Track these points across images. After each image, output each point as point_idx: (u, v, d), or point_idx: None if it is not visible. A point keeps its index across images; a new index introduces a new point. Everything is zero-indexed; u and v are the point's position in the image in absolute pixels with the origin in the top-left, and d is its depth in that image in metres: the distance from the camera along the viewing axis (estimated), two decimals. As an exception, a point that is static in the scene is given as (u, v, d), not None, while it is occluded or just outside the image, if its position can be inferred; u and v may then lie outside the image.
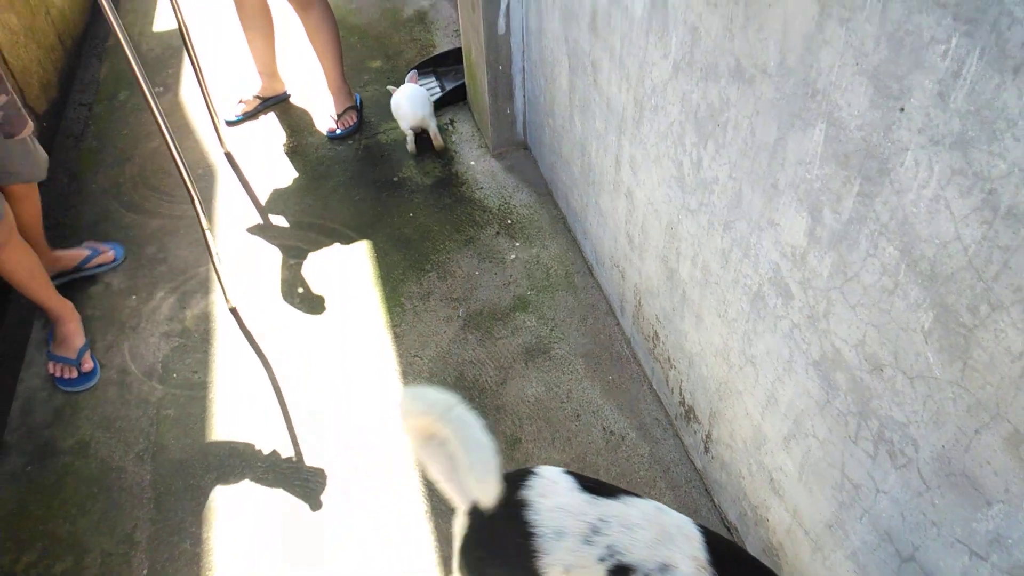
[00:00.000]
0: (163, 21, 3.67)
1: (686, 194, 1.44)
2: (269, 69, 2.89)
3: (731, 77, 1.17)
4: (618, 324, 2.07)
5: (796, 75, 1.00)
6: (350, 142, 2.82)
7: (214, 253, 2.14)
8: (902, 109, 0.83)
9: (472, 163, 2.67)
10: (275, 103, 2.99)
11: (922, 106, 0.80)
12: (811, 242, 1.05)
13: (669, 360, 1.74)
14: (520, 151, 2.69)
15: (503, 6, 2.32)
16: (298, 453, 1.86)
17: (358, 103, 2.93)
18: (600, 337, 2.05)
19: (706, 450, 1.65)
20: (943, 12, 0.75)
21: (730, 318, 1.36)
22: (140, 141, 2.90)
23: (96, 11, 3.80)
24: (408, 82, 2.73)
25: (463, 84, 2.89)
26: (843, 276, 1.00)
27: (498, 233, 2.39)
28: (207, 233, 2.10)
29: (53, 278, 2.19)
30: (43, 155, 2.03)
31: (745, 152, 1.18)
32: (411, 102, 2.60)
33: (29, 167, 1.98)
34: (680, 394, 1.72)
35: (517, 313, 2.14)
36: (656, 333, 1.78)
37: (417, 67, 3.11)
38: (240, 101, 2.92)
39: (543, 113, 2.39)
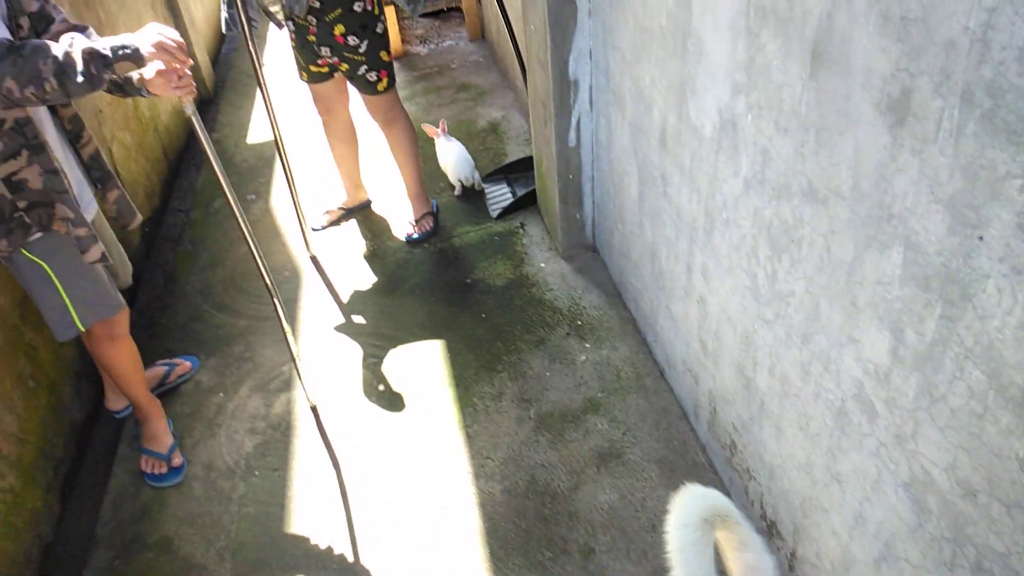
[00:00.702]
0: (256, 134, 3.98)
1: (761, 305, 1.46)
2: (354, 180, 3.09)
3: (804, 197, 1.21)
4: (692, 430, 2.04)
5: (871, 199, 1.04)
6: (426, 245, 2.95)
7: (296, 353, 2.24)
8: (981, 238, 0.85)
9: (542, 265, 2.75)
10: (358, 211, 3.17)
11: (1002, 236, 0.82)
12: (894, 361, 1.05)
13: (748, 471, 1.71)
14: (589, 253, 2.76)
15: (574, 121, 2.45)
16: (373, 553, 1.88)
17: (435, 209, 3.08)
18: (674, 443, 2.03)
19: (791, 568, 1.59)
20: (1017, 149, 0.78)
21: (812, 432, 1.35)
22: (232, 245, 3.10)
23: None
24: (440, 134, 3.24)
25: (533, 190, 3.02)
26: (929, 397, 0.99)
27: (568, 334, 2.43)
28: (288, 335, 2.21)
29: None
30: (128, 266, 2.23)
31: (821, 268, 1.20)
32: (457, 165, 3.16)
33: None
34: (761, 507, 1.68)
35: (588, 415, 2.15)
36: (733, 442, 1.76)
37: (490, 175, 3.27)
38: (326, 212, 3.11)
39: (612, 219, 2.46)
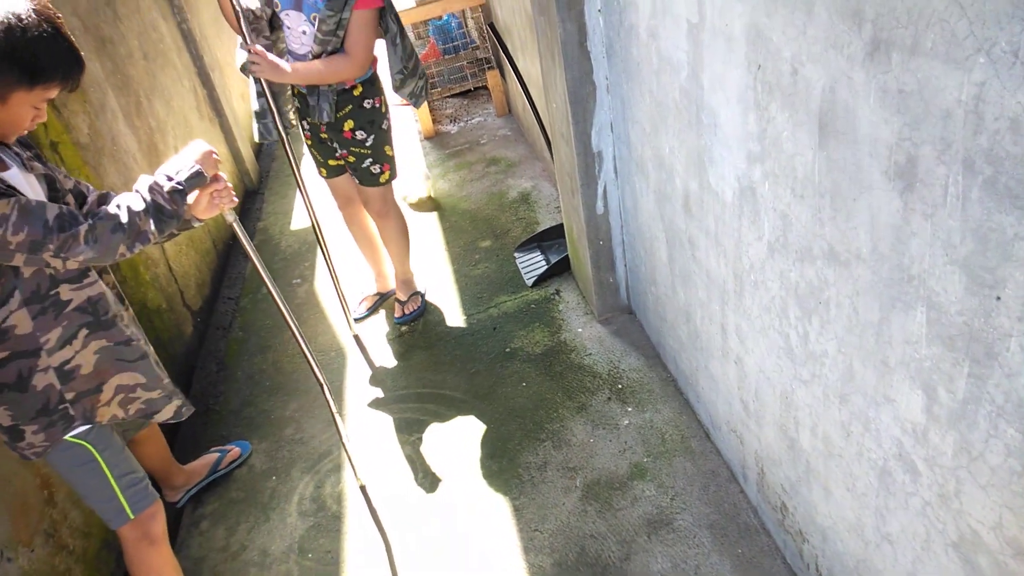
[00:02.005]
0: (299, 221, 4.16)
1: (797, 365, 1.47)
2: (379, 269, 3.21)
3: (826, 260, 1.24)
4: (742, 492, 2.02)
5: (890, 261, 1.06)
6: (465, 317, 3.01)
7: (343, 434, 2.29)
8: (998, 298, 0.86)
9: (579, 330, 2.79)
10: (388, 297, 3.26)
11: (1018, 296, 0.84)
12: (930, 420, 1.06)
13: (801, 533, 1.68)
14: (625, 316, 2.79)
15: (600, 189, 2.52)
16: (427, 636, 1.88)
17: (423, 292, 3.18)
18: (724, 506, 2.01)
19: (852, 633, 1.54)
20: (1022, 213, 0.80)
21: (859, 492, 1.33)
22: (280, 330, 3.22)
23: (243, 215, 4.36)
24: None
25: (566, 257, 3.08)
26: (968, 456, 0.99)
27: (609, 398, 2.44)
28: (336, 416, 2.27)
29: (192, 488, 2.43)
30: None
31: (851, 329, 1.22)
32: None
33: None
34: (817, 570, 1.64)
35: (635, 481, 2.14)
36: (784, 504, 1.74)
37: (523, 244, 3.35)
38: (363, 299, 3.22)
39: (645, 281, 2.50)
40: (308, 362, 2.20)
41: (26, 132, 1.53)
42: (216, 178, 1.75)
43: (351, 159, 2.71)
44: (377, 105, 2.62)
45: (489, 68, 4.74)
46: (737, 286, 1.68)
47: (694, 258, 1.93)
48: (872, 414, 1.22)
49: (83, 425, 1.68)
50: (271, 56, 2.39)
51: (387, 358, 2.90)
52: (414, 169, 4.03)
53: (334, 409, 2.26)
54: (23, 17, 1.34)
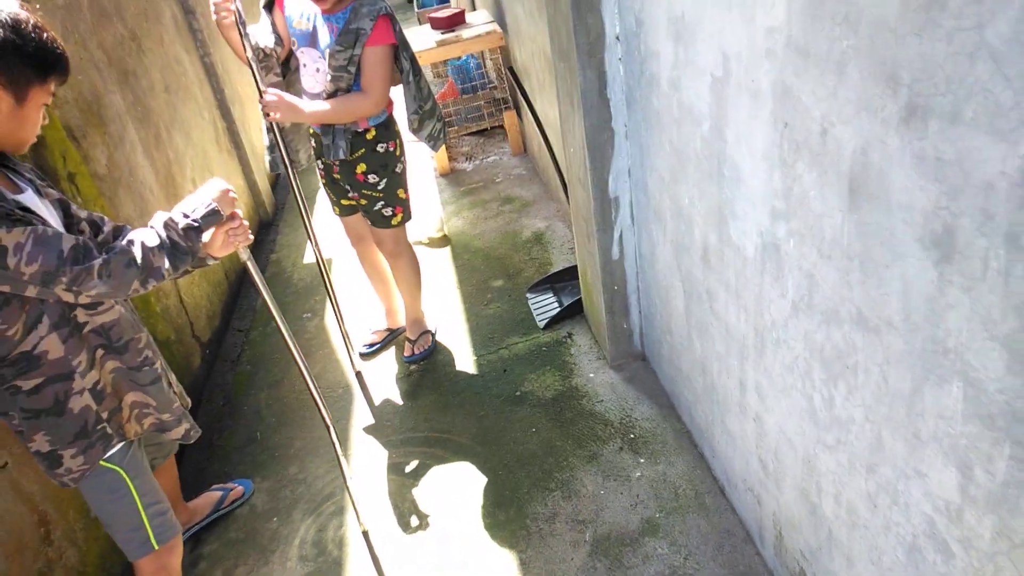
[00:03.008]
0: (312, 254, 4.15)
1: (820, 429, 1.42)
2: (390, 306, 3.19)
3: (854, 324, 1.20)
4: (758, 554, 1.95)
5: (923, 332, 1.02)
6: (475, 359, 2.97)
7: (347, 476, 2.25)
8: (1045, 380, 0.82)
9: (591, 375, 2.74)
10: (399, 334, 3.23)
11: (1066, 379, 0.79)
12: (965, 500, 1.01)
13: (819, 602, 1.61)
14: (638, 362, 2.74)
15: (616, 235, 2.49)
16: None
17: (434, 331, 3.14)
18: (739, 568, 1.94)
19: None
20: (1070, 293, 0.77)
21: (885, 567, 1.27)
22: (288, 365, 3.18)
23: (256, 246, 4.36)
24: None
25: (579, 300, 3.05)
26: (1009, 542, 0.94)
27: (621, 448, 2.38)
28: (341, 459, 2.23)
29: (193, 527, 2.38)
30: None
31: (880, 398, 1.17)
32: None
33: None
34: (836, 643, 1.57)
35: (647, 538, 2.08)
36: (803, 570, 1.67)
37: (536, 285, 3.33)
38: (373, 332, 3.19)
39: (660, 329, 2.46)
40: (315, 401, 2.16)
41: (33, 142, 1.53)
42: (232, 216, 1.74)
43: (363, 202, 2.70)
44: (391, 149, 2.62)
45: (506, 108, 4.77)
46: (758, 342, 1.63)
47: (712, 310, 1.89)
48: (901, 487, 1.17)
49: (118, 443, 1.69)
50: (287, 96, 2.40)
51: (395, 397, 2.85)
52: (428, 208, 4.03)
53: (339, 451, 2.22)
54: (22, 14, 1.37)
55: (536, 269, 3.51)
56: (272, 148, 2.66)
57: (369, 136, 2.56)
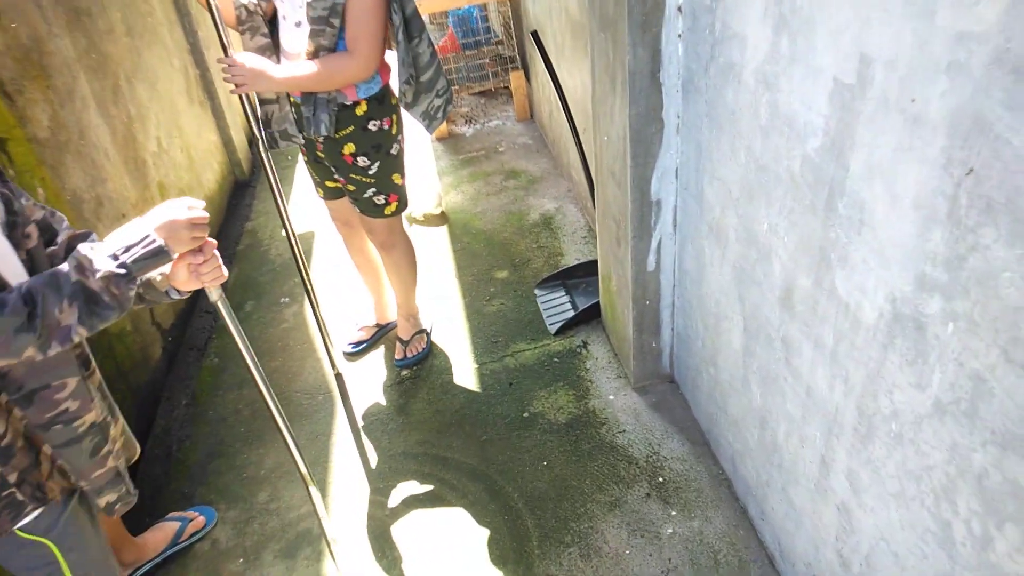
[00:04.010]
0: (299, 223, 3.71)
1: (958, 567, 1.08)
2: (379, 299, 2.80)
3: (1061, 468, 0.85)
4: (819, 653, 1.65)
5: None
6: (476, 367, 2.61)
7: (323, 516, 1.90)
8: None
9: (611, 397, 2.40)
10: (389, 330, 2.85)
11: None
12: None
13: None
14: (666, 385, 2.40)
15: (654, 244, 2.12)
16: None
17: (429, 330, 2.78)
18: (795, 668, 1.64)
19: None
20: None
21: None
22: (263, 360, 2.80)
23: (229, 214, 3.92)
24: None
25: (596, 303, 2.68)
26: None
27: (648, 495, 2.06)
28: (315, 498, 1.87)
29: (145, 565, 2.02)
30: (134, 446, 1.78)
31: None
32: None
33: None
34: None
35: (681, 614, 1.77)
36: None
37: (546, 280, 2.95)
38: (360, 328, 2.81)
39: (700, 358, 2.11)
40: (282, 436, 1.78)
41: None
42: (200, 249, 1.34)
43: (351, 187, 2.29)
44: (386, 127, 2.20)
45: (513, 68, 4.31)
46: (861, 425, 1.29)
47: (788, 364, 1.54)
48: None
49: (35, 509, 1.34)
50: (253, 60, 1.97)
51: (383, 410, 2.50)
52: (425, 180, 3.61)
53: (313, 491, 1.86)
54: None
55: (545, 260, 3.13)
56: (266, 123, 2.23)
57: (359, 111, 2.14)
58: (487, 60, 4.46)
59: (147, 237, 1.21)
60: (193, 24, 3.85)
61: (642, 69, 1.82)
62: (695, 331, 2.11)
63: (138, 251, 1.19)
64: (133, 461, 1.76)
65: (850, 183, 1.19)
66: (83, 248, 1.18)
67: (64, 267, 1.16)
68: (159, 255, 1.22)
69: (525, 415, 2.38)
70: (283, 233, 3.65)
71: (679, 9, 1.74)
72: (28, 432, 1.32)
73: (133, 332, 2.63)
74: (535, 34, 2.45)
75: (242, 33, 2.14)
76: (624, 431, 2.27)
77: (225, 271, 1.44)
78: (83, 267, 1.15)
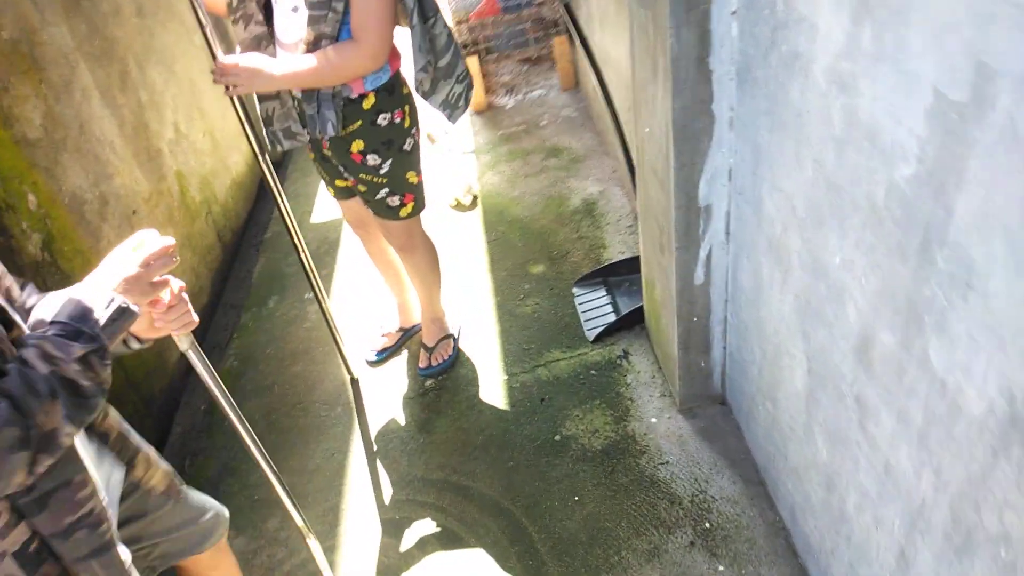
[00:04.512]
0: (322, 211, 3.53)
1: None
2: (403, 301, 2.59)
3: None
4: None
5: None
6: (505, 378, 2.39)
7: (324, 570, 1.73)
8: None
9: (653, 420, 2.14)
10: (413, 333, 2.64)
11: None
12: None
13: None
14: (716, 408, 2.13)
15: (702, 254, 1.83)
16: None
17: (456, 334, 2.55)
18: None
19: None
20: None
21: None
22: (283, 364, 2.65)
23: (259, 198, 3.76)
24: None
25: (639, 308, 2.41)
26: None
27: (693, 543, 1.81)
28: (315, 551, 1.69)
29: None
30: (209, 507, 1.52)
31: None
32: None
33: (191, 528, 1.46)
34: None
35: None
36: None
37: (585, 278, 2.68)
38: (383, 334, 2.60)
39: (756, 386, 1.83)
40: (275, 488, 1.59)
41: None
42: (158, 301, 1.14)
43: (362, 188, 2.07)
44: (397, 120, 1.95)
45: (557, 33, 3.96)
46: (957, 535, 1.00)
47: (861, 427, 1.25)
48: None
49: None
50: (245, 60, 1.74)
51: (403, 427, 2.30)
52: (459, 162, 3.35)
53: (316, 552, 1.68)
54: None
55: (585, 253, 2.85)
56: (267, 121, 2.02)
57: (366, 105, 1.90)
58: (528, 25, 4.11)
59: (106, 298, 1.00)
60: (216, -3, 3.64)
61: (688, 54, 1.51)
62: (751, 355, 1.82)
63: (103, 316, 0.98)
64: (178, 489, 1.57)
65: (954, 232, 0.88)
66: (34, 337, 0.96)
67: (28, 359, 0.94)
68: (126, 314, 1.01)
69: (556, 438, 2.15)
70: (312, 220, 3.47)
71: (733, -19, 1.42)
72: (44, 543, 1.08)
73: (147, 337, 2.50)
74: (568, 6, 2.14)
75: (234, 23, 1.91)
76: (667, 462, 2.01)
77: (195, 316, 1.23)
78: (49, 355, 0.94)
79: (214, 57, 1.79)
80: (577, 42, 2.20)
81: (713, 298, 1.91)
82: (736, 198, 1.69)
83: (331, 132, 1.89)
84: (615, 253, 2.80)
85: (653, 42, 1.61)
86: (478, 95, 3.99)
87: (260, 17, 1.90)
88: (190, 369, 2.72)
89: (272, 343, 2.77)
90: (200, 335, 2.87)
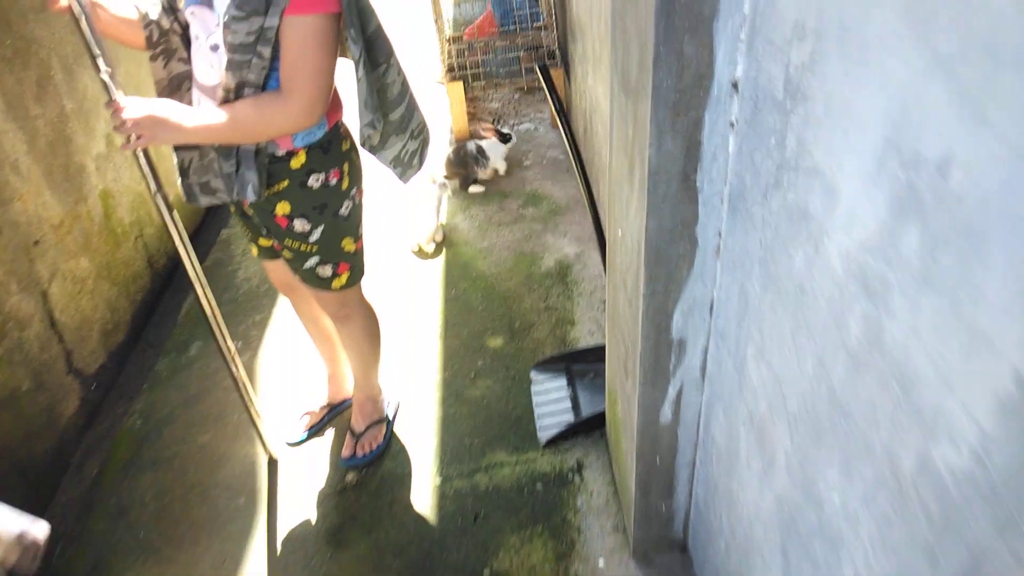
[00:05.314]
0: (269, 240, 3.19)
1: None
2: (334, 371, 2.26)
3: None
4: None
5: None
6: (438, 480, 2.05)
7: None
8: None
9: (601, 562, 1.81)
10: (343, 410, 2.31)
11: None
12: None
13: None
14: (676, 554, 1.80)
15: (672, 392, 1.50)
16: None
17: (390, 418, 2.22)
18: None
19: None
20: None
21: None
22: (191, 431, 2.31)
23: (208, 214, 3.42)
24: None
25: (602, 413, 2.08)
26: None
27: None
28: None
29: None
30: None
31: None
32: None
33: None
34: None
35: None
36: None
37: (545, 362, 2.35)
38: (306, 412, 2.27)
39: (727, 538, 1.50)
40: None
41: None
42: None
43: (287, 255, 1.74)
44: (333, 181, 1.63)
45: (552, 64, 3.63)
46: None
47: None
48: None
49: None
50: (150, 107, 1.42)
51: (311, 532, 1.97)
52: (427, 208, 3.01)
53: None
54: None
55: (551, 328, 2.52)
56: (183, 172, 1.69)
57: (295, 164, 1.58)
58: (522, 52, 3.77)
59: None
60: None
61: (669, 168, 1.18)
62: (718, 522, 1.50)
63: None
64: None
65: (1029, 601, 0.56)
66: None
67: None
68: None
69: (485, 572, 1.82)
70: (198, 293, 3.12)
71: (735, 87, 1.09)
72: None
73: (33, 391, 2.16)
74: (544, 69, 1.81)
75: (153, 59, 1.58)
76: (610, 621, 1.69)
77: None
78: None
79: (110, 97, 1.47)
80: (553, 108, 1.87)
81: (681, 439, 1.59)
82: (716, 337, 1.36)
83: (252, 197, 1.56)
84: (584, 333, 2.47)
85: (631, 142, 1.28)
86: (459, 122, 3.66)
87: (185, 54, 1.58)
88: (90, 424, 2.39)
89: (184, 402, 2.42)
90: (107, 382, 2.53)
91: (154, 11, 1.54)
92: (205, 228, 3.35)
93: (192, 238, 3.26)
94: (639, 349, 1.44)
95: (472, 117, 3.83)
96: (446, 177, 3.31)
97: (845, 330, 0.82)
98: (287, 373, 2.47)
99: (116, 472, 2.20)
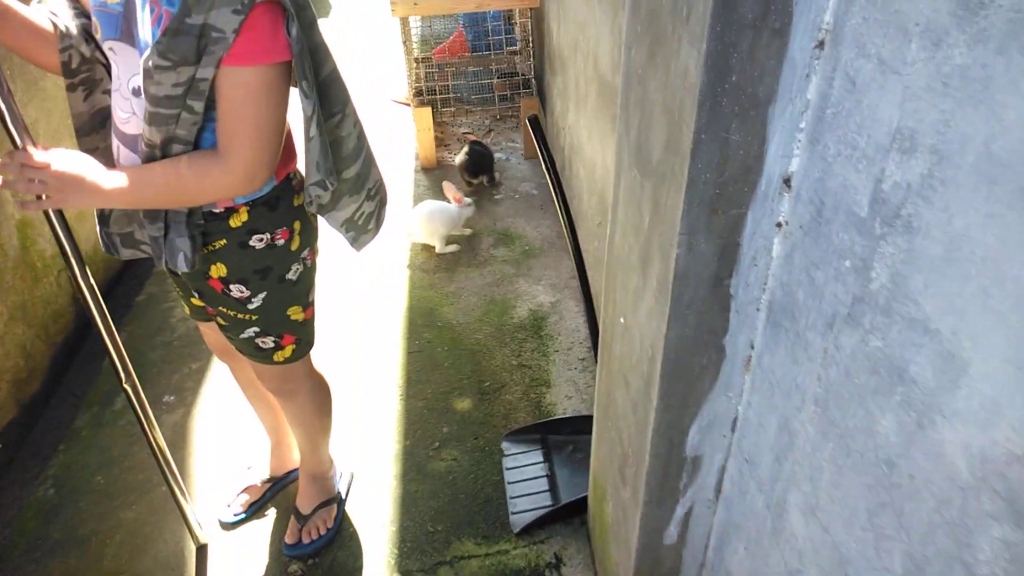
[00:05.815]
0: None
1: None
2: (277, 440, 2.00)
3: None
4: None
5: None
6: (402, 574, 1.80)
7: None
8: None
9: None
10: (288, 483, 2.05)
11: None
12: None
13: None
14: (666, 674, 1.59)
15: (680, 512, 1.29)
16: None
17: (342, 495, 1.97)
18: None
19: None
20: None
21: None
22: (112, 504, 2.01)
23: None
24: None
25: (584, 498, 1.87)
26: None
27: None
28: None
29: None
30: None
31: None
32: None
33: None
34: None
35: None
36: None
37: (517, 432, 2.13)
38: (244, 488, 1.99)
39: None
40: None
41: None
42: None
43: (221, 321, 1.49)
44: (280, 241, 1.39)
45: (527, 94, 3.43)
46: None
47: None
48: None
49: None
50: (64, 161, 1.16)
51: (251, 638, 1.70)
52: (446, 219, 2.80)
53: None
54: None
55: (524, 390, 2.30)
56: (103, 221, 1.42)
57: (234, 222, 1.33)
58: (496, 80, 3.55)
59: None
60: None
61: (699, 272, 0.98)
62: (726, 662, 1.29)
63: None
64: None
65: None
66: None
67: None
68: None
69: None
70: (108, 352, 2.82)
71: (786, 183, 0.89)
72: None
73: (-81, 460, 1.83)
74: (533, 120, 1.59)
75: (71, 89, 1.31)
76: None
77: None
78: None
79: (13, 143, 1.20)
80: (545, 167, 1.66)
81: (686, 559, 1.38)
82: (739, 461, 1.16)
83: (183, 267, 1.30)
84: (560, 397, 2.26)
85: (647, 231, 1.07)
86: (426, 148, 3.42)
87: (111, 86, 1.31)
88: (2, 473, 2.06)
89: (105, 467, 2.12)
90: (20, 436, 2.21)
91: (73, 24, 1.27)
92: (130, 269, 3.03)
93: (122, 270, 2.95)
94: (645, 463, 1.23)
95: (439, 143, 3.60)
96: (468, 188, 3.17)
97: (968, 550, 0.62)
98: (226, 435, 2.19)
99: (18, 555, 1.89)
